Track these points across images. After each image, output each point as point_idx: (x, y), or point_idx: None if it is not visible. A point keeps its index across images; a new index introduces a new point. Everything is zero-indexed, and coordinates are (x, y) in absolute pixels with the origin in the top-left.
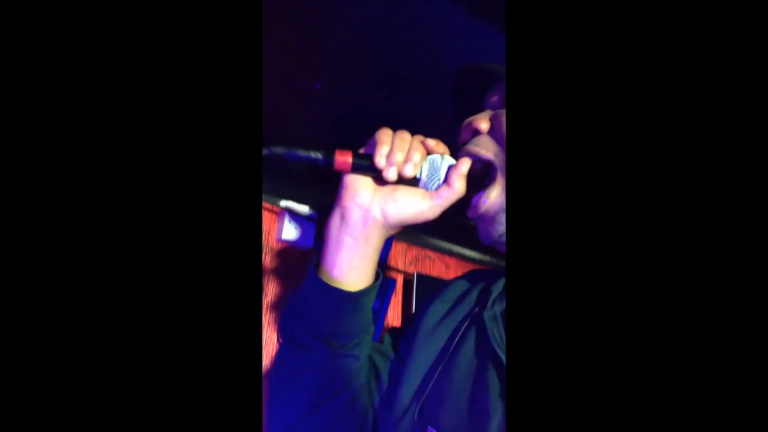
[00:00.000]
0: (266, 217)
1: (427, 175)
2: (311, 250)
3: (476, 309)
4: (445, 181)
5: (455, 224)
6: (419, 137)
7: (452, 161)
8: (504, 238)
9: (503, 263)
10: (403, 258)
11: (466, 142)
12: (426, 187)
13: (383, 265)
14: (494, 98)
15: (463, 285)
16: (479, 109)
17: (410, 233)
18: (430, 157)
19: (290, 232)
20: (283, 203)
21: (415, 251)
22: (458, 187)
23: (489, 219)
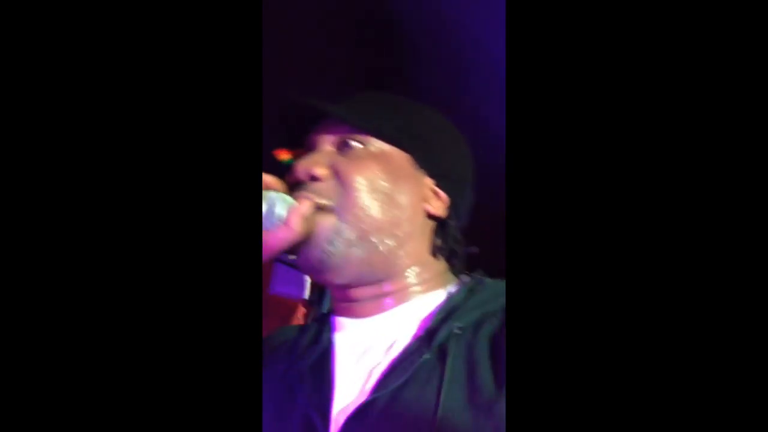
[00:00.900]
0: None
1: (264, 213)
2: (303, 301)
3: (285, 368)
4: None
5: None
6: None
7: (291, 201)
8: (326, 268)
9: None
10: None
11: (299, 184)
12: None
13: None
14: (323, 137)
15: (273, 342)
16: (299, 146)
17: None
18: (267, 193)
19: (283, 283)
20: None
21: None
22: (297, 227)
23: (313, 242)
